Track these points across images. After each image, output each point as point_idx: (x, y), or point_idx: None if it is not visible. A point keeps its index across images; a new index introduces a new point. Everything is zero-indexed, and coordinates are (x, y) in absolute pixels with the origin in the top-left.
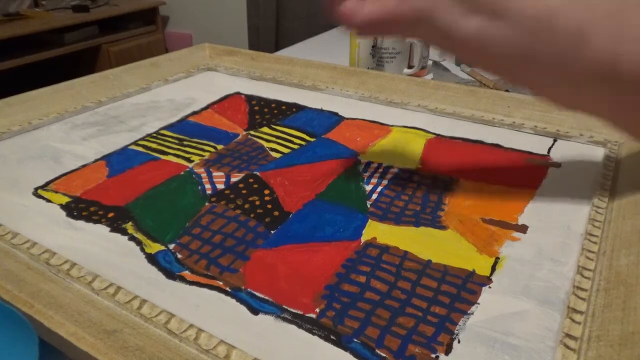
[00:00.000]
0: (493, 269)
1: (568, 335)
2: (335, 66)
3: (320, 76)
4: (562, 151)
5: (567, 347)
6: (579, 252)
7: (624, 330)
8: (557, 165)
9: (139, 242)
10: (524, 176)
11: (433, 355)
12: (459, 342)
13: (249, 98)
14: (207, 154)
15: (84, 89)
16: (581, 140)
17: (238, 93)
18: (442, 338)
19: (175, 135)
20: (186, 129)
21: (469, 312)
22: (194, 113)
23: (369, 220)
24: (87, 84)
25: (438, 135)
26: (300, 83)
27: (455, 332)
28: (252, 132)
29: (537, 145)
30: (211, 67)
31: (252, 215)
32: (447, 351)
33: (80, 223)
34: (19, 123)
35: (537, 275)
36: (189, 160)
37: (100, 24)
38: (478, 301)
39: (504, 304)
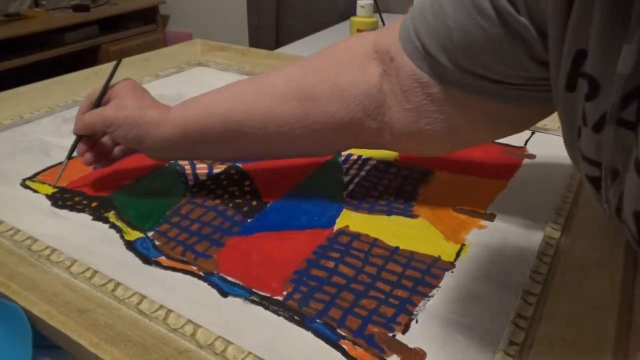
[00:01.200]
0: (458, 254)
1: (519, 315)
2: None
3: None
4: (539, 143)
5: (517, 326)
6: (541, 239)
7: (572, 310)
8: (532, 156)
9: (119, 230)
10: (499, 167)
11: (390, 334)
12: (416, 322)
13: None
14: None
15: (75, 84)
16: (558, 132)
17: None
18: (401, 319)
19: None
20: None
21: (429, 294)
22: None
23: (344, 209)
24: (78, 80)
25: None
26: None
27: (415, 313)
28: None
29: (515, 137)
30: (202, 62)
31: (230, 205)
32: (405, 330)
33: (64, 212)
34: (11, 117)
35: (498, 261)
36: None
37: (101, 23)
38: (440, 285)
39: (465, 287)
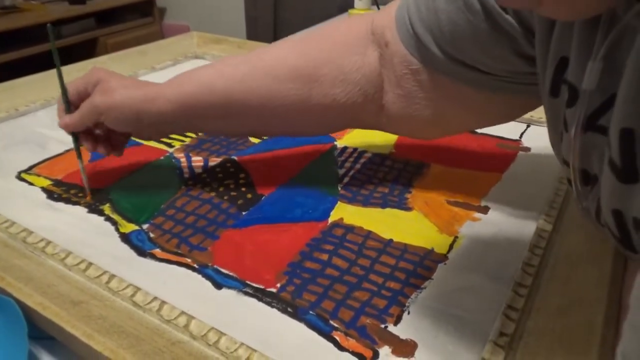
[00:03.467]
0: (451, 247)
1: (510, 307)
2: None
3: None
4: (534, 136)
5: (508, 317)
6: (533, 231)
7: (562, 302)
8: (527, 149)
9: (114, 223)
10: (494, 160)
11: (382, 326)
12: (408, 313)
13: None
14: (188, 140)
15: (71, 76)
16: None
17: None
18: (393, 310)
19: None
20: None
21: (422, 286)
22: None
23: (338, 202)
24: (74, 72)
25: None
26: None
27: (407, 304)
28: None
29: (510, 130)
30: (198, 55)
31: (225, 198)
32: (396, 322)
33: (60, 205)
34: (6, 110)
35: (491, 253)
36: (170, 145)
37: (97, 16)
38: (432, 277)
39: (457, 279)
